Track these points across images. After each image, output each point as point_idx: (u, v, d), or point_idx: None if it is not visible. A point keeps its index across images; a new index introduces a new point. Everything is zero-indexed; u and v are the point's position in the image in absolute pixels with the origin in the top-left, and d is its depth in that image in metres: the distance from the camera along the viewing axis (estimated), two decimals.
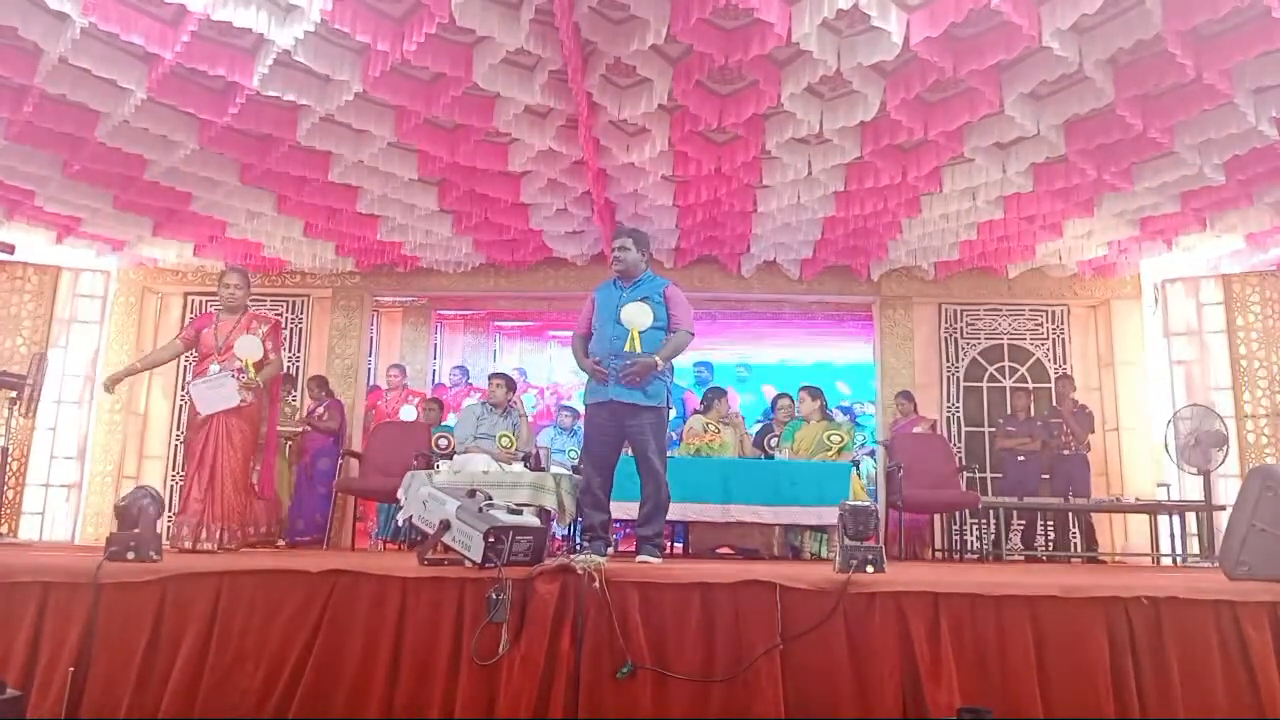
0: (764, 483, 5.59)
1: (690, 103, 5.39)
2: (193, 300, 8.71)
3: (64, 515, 7.97)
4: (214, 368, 4.82)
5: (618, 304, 4.35)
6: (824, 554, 6.07)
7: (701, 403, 7.06)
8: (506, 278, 8.58)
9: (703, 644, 2.76)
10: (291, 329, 8.62)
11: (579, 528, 5.75)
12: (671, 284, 4.51)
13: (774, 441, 6.90)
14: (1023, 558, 7.20)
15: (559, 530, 6.10)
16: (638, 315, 4.27)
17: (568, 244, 8.02)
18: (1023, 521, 7.56)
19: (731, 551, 6.22)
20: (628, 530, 5.99)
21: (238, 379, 4.76)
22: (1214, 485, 6.61)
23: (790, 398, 7.23)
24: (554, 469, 6.70)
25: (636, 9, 4.50)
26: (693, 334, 4.43)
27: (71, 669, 2.78)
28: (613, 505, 4.50)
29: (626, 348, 4.22)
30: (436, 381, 10.22)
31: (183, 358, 8.53)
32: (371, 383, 9.23)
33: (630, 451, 4.43)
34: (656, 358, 4.21)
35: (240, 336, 4.83)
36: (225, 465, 4.73)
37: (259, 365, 4.85)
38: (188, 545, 4.56)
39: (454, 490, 3.33)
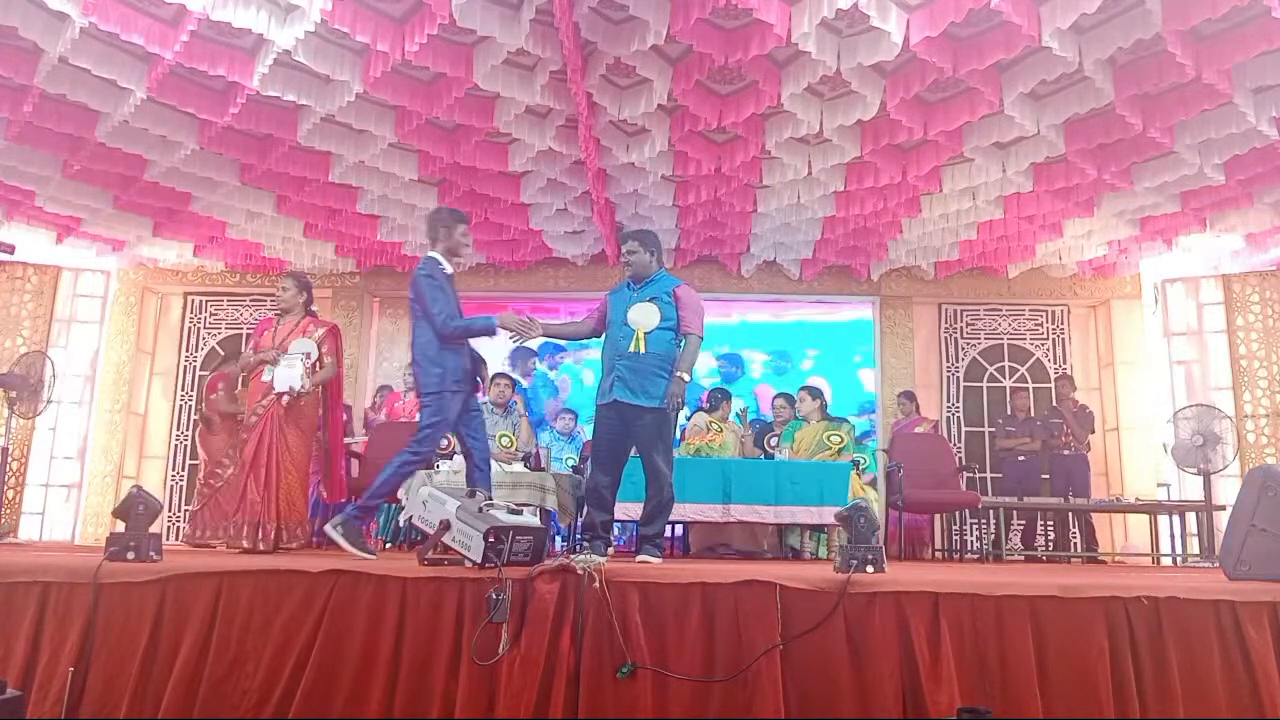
0: (764, 483, 5.59)
1: (690, 103, 5.39)
2: (193, 300, 8.72)
3: (64, 515, 7.98)
4: (288, 351, 4.86)
5: (627, 305, 4.34)
6: (823, 554, 6.07)
7: (707, 401, 7.05)
8: (507, 278, 8.59)
9: (703, 644, 2.76)
10: None
11: (578, 527, 5.75)
12: (684, 284, 4.42)
13: (774, 441, 6.90)
14: (1022, 558, 7.20)
15: (558, 527, 6.09)
16: (643, 316, 4.26)
17: (568, 244, 8.02)
18: (1022, 521, 7.56)
19: (727, 547, 6.22)
20: (630, 533, 5.98)
21: (305, 367, 4.80)
22: (1214, 485, 6.61)
23: (788, 398, 7.23)
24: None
25: (636, 9, 4.50)
26: (701, 336, 4.40)
27: (71, 669, 2.77)
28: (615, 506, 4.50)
29: (631, 348, 4.22)
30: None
31: (183, 358, 8.63)
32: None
33: (637, 452, 4.43)
34: (681, 374, 4.23)
35: (296, 339, 4.87)
36: (283, 466, 4.72)
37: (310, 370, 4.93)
38: (245, 545, 4.55)
39: (454, 490, 3.33)
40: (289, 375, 4.76)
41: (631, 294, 4.38)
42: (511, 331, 4.24)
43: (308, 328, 4.99)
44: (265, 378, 4.80)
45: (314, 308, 5.19)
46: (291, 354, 4.80)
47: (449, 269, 4.28)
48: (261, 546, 4.56)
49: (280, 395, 4.79)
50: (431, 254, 4.27)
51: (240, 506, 4.67)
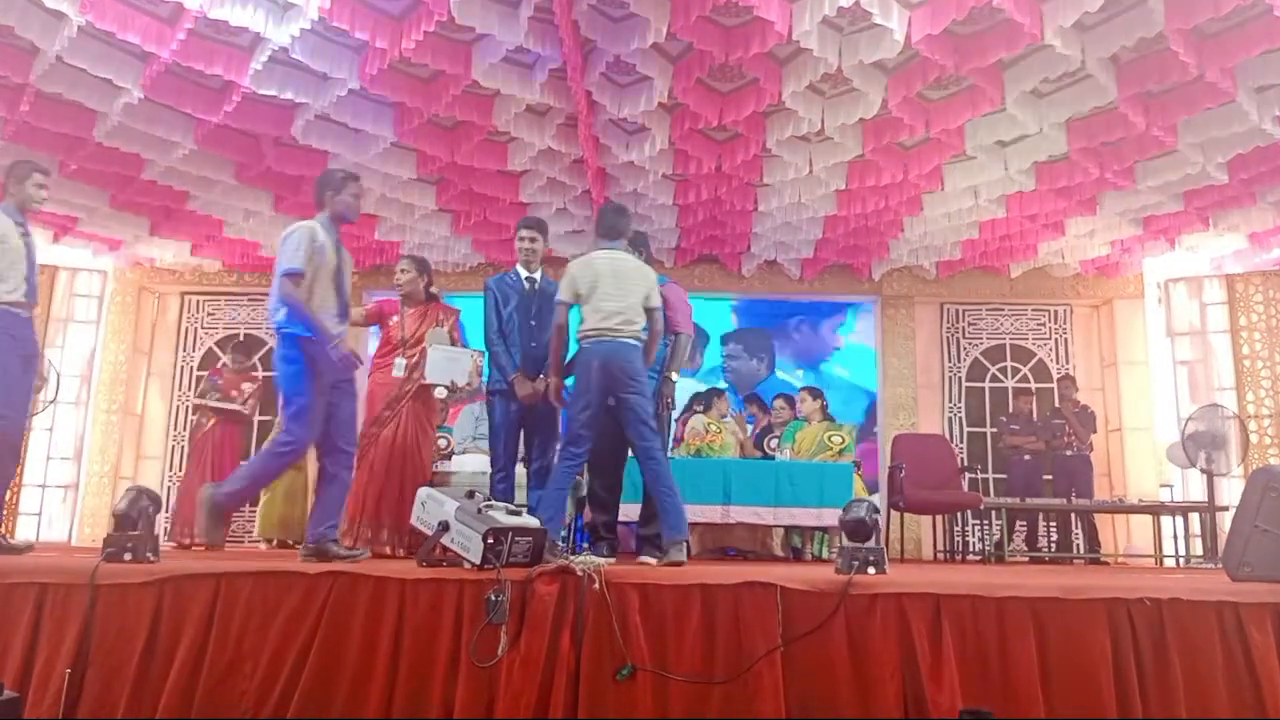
0: (765, 484, 5.57)
1: (690, 100, 5.37)
2: (190, 299, 8.70)
3: (61, 516, 7.95)
4: (431, 345, 4.52)
5: None
6: (825, 555, 6.06)
7: (700, 401, 7.02)
8: None
9: (703, 645, 2.74)
10: None
11: (577, 527, 5.72)
12: (669, 282, 4.44)
13: (774, 442, 6.88)
14: (1026, 559, 7.18)
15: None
16: None
17: (567, 243, 8.00)
18: (1025, 522, 7.54)
19: (732, 550, 6.20)
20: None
21: (475, 359, 4.49)
22: (1217, 486, 6.58)
23: (788, 398, 7.21)
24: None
25: (636, 7, 4.49)
26: (691, 335, 4.39)
27: (69, 670, 2.76)
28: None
29: None
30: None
31: (180, 358, 8.60)
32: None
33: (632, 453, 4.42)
34: (670, 374, 4.21)
35: (430, 329, 4.59)
36: (409, 462, 4.48)
37: None
38: (385, 549, 4.38)
39: (453, 491, 3.32)
40: (451, 368, 4.38)
41: None
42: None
43: (438, 315, 4.67)
44: (397, 372, 4.49)
45: (434, 290, 4.82)
46: (447, 345, 4.46)
47: (509, 281, 4.41)
48: (402, 551, 4.39)
49: (429, 388, 4.44)
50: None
51: (365, 508, 4.42)
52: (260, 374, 7.98)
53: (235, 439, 6.65)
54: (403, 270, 4.72)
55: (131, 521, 3.18)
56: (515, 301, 4.35)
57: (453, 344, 4.61)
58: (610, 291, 3.88)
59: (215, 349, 8.54)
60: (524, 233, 4.43)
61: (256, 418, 7.49)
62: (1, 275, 3.81)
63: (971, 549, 7.59)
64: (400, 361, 4.59)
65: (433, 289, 4.83)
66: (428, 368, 4.46)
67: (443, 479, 5.70)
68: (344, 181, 3.88)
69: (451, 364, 4.45)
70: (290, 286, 3.66)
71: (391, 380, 4.58)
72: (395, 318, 4.70)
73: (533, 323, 4.33)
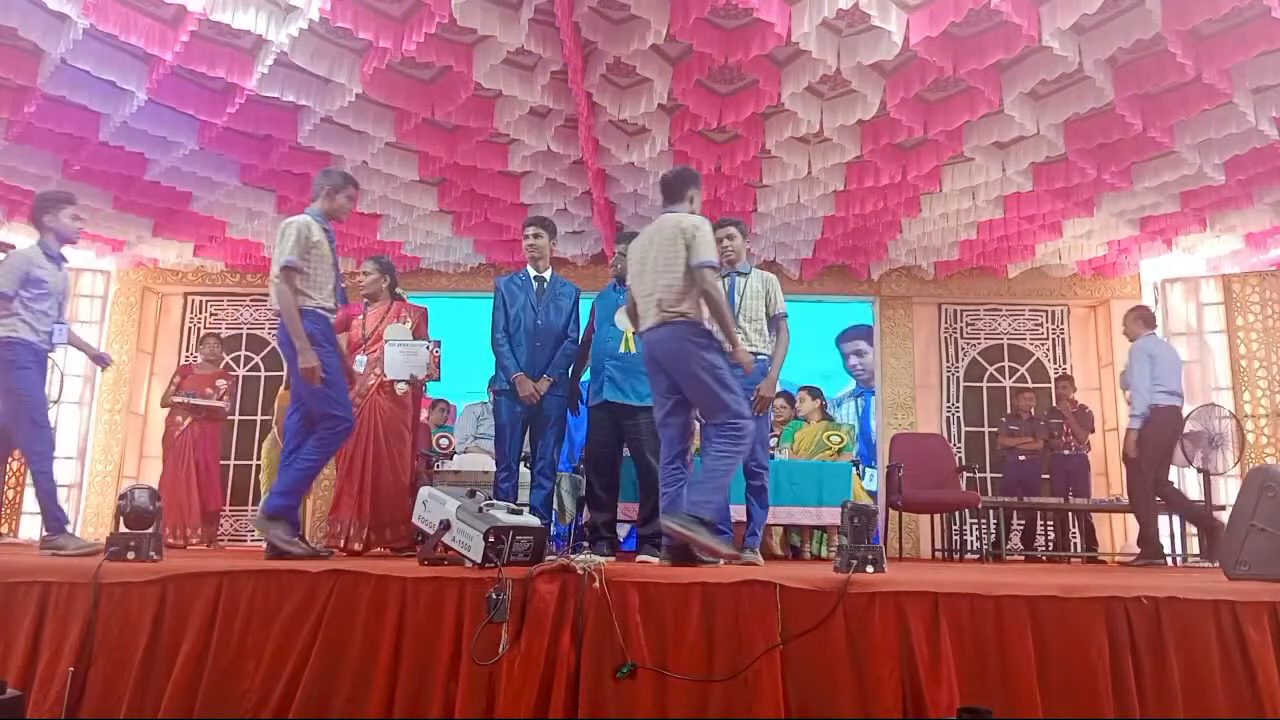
0: None
1: (690, 102, 5.39)
2: (193, 300, 8.71)
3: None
4: (382, 338, 4.55)
5: (614, 306, 4.37)
6: (824, 554, 6.07)
7: None
8: None
9: (703, 644, 2.76)
10: None
11: (576, 528, 5.74)
12: None
13: (773, 441, 6.90)
14: (1022, 558, 7.20)
15: (559, 527, 6.08)
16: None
17: (568, 244, 8.02)
18: (1023, 521, 7.56)
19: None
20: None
21: (432, 350, 4.52)
22: (1213, 485, 6.60)
23: (788, 397, 7.22)
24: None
25: (636, 9, 4.50)
26: None
27: (71, 669, 2.77)
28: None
29: (621, 349, 4.26)
30: None
31: (183, 358, 8.60)
32: None
33: (629, 452, 4.44)
34: None
35: (390, 325, 4.65)
36: (380, 465, 4.51)
37: None
38: (340, 544, 4.42)
39: (454, 490, 3.34)
40: (408, 362, 4.43)
41: (619, 295, 4.40)
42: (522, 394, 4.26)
43: (400, 313, 4.75)
44: (358, 369, 4.53)
45: (400, 290, 4.91)
46: (405, 340, 4.50)
47: (518, 280, 4.45)
48: (357, 547, 4.42)
49: (392, 384, 4.49)
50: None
51: (335, 505, 4.50)
52: (262, 373, 8.00)
53: (213, 437, 6.58)
54: (365, 272, 4.83)
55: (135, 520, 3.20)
56: (522, 300, 4.39)
57: (416, 339, 4.67)
58: None
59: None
60: (527, 230, 4.50)
61: (238, 416, 7.44)
62: (318, 283, 3.84)
63: (969, 548, 7.60)
64: (361, 359, 4.68)
65: (398, 289, 4.94)
66: (385, 363, 4.54)
67: (444, 478, 5.72)
68: (699, 181, 3.84)
69: (409, 358, 4.51)
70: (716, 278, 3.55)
71: (356, 378, 4.63)
72: (357, 319, 4.78)
73: (539, 322, 4.36)
